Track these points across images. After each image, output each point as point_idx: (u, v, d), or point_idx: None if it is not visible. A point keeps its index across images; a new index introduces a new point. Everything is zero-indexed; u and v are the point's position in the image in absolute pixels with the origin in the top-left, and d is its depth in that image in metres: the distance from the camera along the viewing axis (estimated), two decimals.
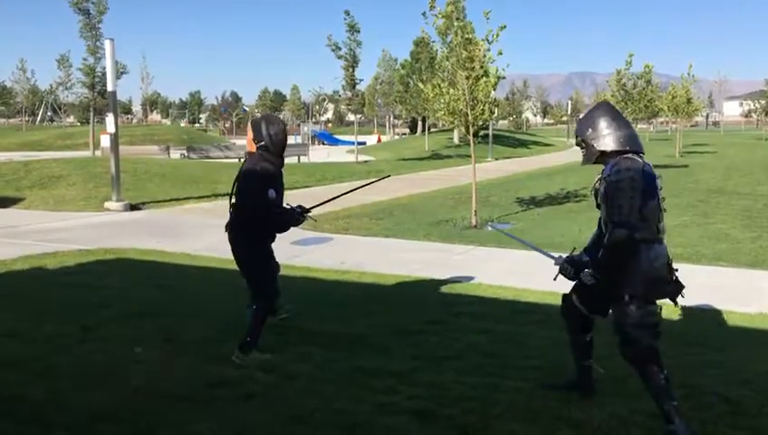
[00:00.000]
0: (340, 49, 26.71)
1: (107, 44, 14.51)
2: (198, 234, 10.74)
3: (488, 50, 11.05)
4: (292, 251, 8.61)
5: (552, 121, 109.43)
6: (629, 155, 3.49)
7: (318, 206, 4.98)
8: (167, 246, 9.45)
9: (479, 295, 6.60)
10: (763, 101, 63.32)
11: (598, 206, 3.65)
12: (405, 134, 66.83)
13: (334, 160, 30.31)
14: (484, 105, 11.43)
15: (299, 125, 61.02)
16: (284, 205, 4.68)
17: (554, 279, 3.83)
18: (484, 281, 7.22)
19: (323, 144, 58.80)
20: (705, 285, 6.84)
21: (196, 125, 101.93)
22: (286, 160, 4.90)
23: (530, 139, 52.75)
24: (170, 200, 15.19)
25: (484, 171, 22.13)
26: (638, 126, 33.97)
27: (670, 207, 11.86)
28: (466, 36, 10.95)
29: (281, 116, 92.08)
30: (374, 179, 6.06)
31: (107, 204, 14.11)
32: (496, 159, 32.61)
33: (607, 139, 3.56)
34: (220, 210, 13.07)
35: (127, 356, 4.71)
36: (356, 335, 5.18)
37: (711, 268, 7.98)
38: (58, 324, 5.44)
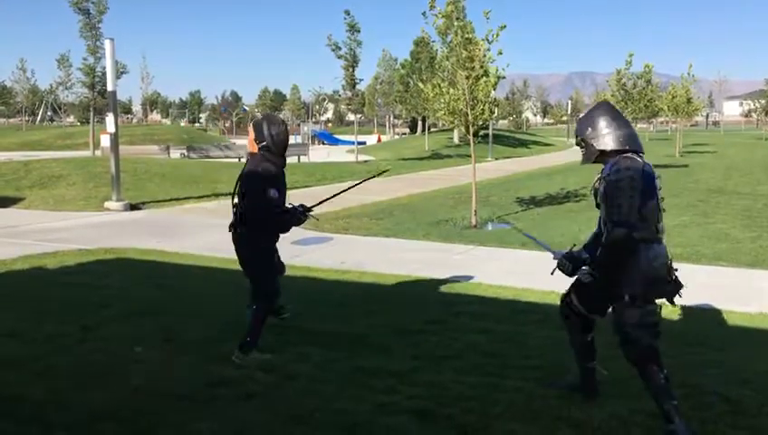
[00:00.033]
0: (340, 49, 26.70)
1: (107, 44, 14.51)
2: (198, 233, 10.74)
3: (488, 50, 11.05)
4: (293, 251, 8.60)
5: (552, 121, 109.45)
6: (629, 154, 3.49)
7: (319, 204, 4.99)
8: (167, 246, 9.45)
9: (479, 295, 6.60)
10: (762, 101, 63.33)
11: (597, 205, 3.65)
12: (405, 134, 66.83)
13: (334, 160, 30.30)
14: (484, 105, 11.43)
15: (299, 125, 60.99)
16: (287, 204, 4.70)
17: (552, 273, 3.84)
18: (484, 281, 7.22)
19: (323, 144, 58.76)
20: (705, 284, 6.84)
21: (196, 125, 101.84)
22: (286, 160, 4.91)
23: (530, 138, 52.75)
24: (170, 200, 15.19)
25: (484, 171, 22.13)
26: (638, 126, 33.99)
27: (670, 206, 11.87)
28: (466, 36, 10.95)
29: (281, 116, 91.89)
30: (373, 175, 6.10)
31: (107, 204, 14.11)
32: (496, 159, 32.60)
33: (606, 138, 3.56)
34: (220, 210, 13.09)
35: (127, 356, 4.71)
36: (356, 335, 5.18)
37: (711, 268, 7.98)
38: (58, 324, 5.44)
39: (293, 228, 4.79)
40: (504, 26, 11.04)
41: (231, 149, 35.70)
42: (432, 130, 47.28)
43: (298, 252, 8.82)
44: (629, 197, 3.34)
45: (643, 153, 3.56)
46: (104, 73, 22.59)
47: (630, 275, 3.40)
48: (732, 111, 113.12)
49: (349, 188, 5.39)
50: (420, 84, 14.74)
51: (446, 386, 4.10)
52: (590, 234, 3.86)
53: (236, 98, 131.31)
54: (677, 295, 3.51)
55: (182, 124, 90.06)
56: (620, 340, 3.48)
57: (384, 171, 6.90)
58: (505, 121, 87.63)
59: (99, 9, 24.91)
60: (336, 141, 60.50)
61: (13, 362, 4.57)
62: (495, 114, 14.42)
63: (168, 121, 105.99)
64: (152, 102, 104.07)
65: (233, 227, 4.67)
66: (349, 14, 26.41)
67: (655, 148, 36.39)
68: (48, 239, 10.11)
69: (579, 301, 3.77)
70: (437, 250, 9.37)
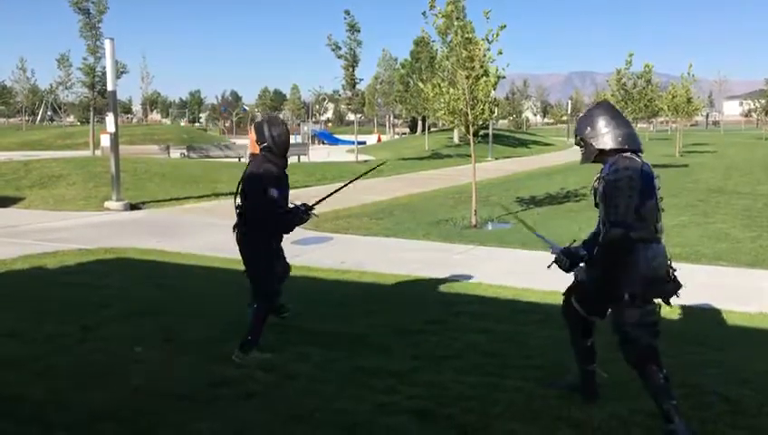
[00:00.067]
0: (340, 48, 26.69)
1: (107, 44, 14.51)
2: (199, 233, 10.75)
3: (488, 49, 11.05)
4: (293, 250, 8.56)
5: (552, 121, 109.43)
6: (628, 154, 3.49)
7: (320, 201, 5.02)
8: (167, 246, 9.45)
9: (479, 295, 6.60)
10: (762, 101, 63.28)
11: (596, 205, 3.65)
12: (405, 134, 66.82)
13: (334, 160, 30.31)
14: (484, 105, 11.42)
15: (299, 125, 60.94)
16: (289, 204, 4.76)
17: (548, 267, 3.85)
18: (484, 280, 7.22)
19: (323, 144, 58.76)
20: (705, 284, 6.84)
21: (196, 124, 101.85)
22: None
23: (530, 138, 52.74)
24: (170, 200, 15.19)
25: (484, 171, 22.12)
26: (638, 125, 33.97)
27: (670, 206, 11.88)
28: (466, 36, 10.94)
29: (281, 115, 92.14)
30: (371, 167, 6.18)
31: (107, 203, 14.11)
32: (496, 159, 32.59)
33: (605, 137, 3.56)
34: (220, 210, 13.10)
35: (127, 356, 4.71)
36: (356, 335, 5.18)
37: (711, 268, 7.98)
38: (58, 324, 5.44)
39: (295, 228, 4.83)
40: (504, 26, 11.04)
41: (231, 148, 35.67)
42: (432, 129, 47.27)
43: (298, 252, 8.82)
44: (628, 197, 3.34)
45: (642, 152, 3.56)
46: (104, 73, 22.58)
47: (630, 275, 3.40)
48: (732, 110, 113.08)
49: (348, 184, 5.39)
50: (420, 84, 14.74)
51: (446, 386, 4.10)
52: (589, 232, 3.86)
53: (236, 98, 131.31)
54: (676, 295, 3.51)
55: (182, 124, 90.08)
56: (620, 339, 3.48)
57: (381, 163, 7.00)
58: (505, 121, 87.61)
59: (99, 9, 24.89)
60: (336, 141, 60.48)
61: (13, 362, 4.57)
62: (495, 114, 14.40)
63: (168, 121, 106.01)
64: (152, 102, 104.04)
65: (236, 227, 4.73)
66: (349, 14, 26.43)
67: (655, 147, 36.39)
68: (48, 239, 10.11)
69: (578, 302, 3.77)
70: (437, 250, 9.37)
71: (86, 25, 24.94)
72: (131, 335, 5.15)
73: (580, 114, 4.01)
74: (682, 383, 3.87)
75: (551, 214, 12.86)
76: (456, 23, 11.01)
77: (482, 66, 11.09)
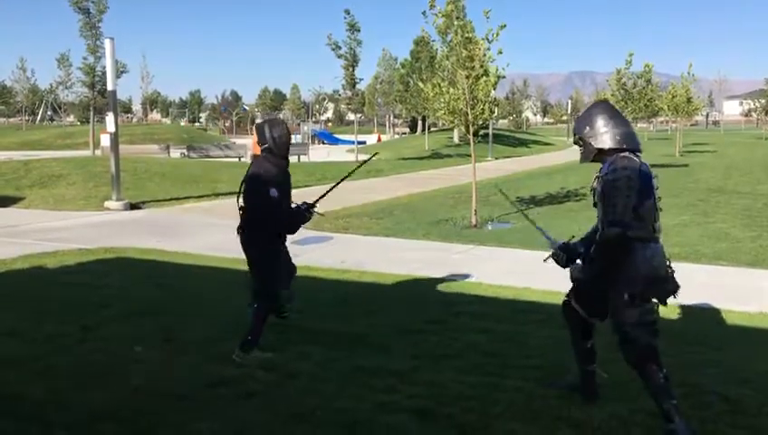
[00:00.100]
0: (340, 48, 26.73)
1: (107, 43, 14.51)
2: (198, 233, 10.75)
3: (488, 49, 11.05)
4: (293, 250, 8.51)
5: (552, 121, 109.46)
6: (627, 154, 3.49)
7: (321, 198, 5.05)
8: (167, 246, 9.45)
9: (479, 295, 6.60)
10: (763, 101, 63.32)
11: (595, 204, 3.65)
12: (405, 133, 66.84)
13: (334, 160, 30.33)
14: (484, 104, 11.43)
15: (299, 124, 60.94)
16: (292, 205, 4.83)
17: (544, 260, 3.86)
18: (484, 280, 7.22)
19: (323, 143, 58.78)
20: (705, 284, 6.85)
21: (196, 124, 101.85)
22: None
23: (530, 138, 52.76)
24: (170, 199, 15.19)
25: (484, 171, 22.12)
26: (638, 125, 34.01)
27: (670, 206, 11.87)
28: (466, 35, 10.95)
29: (281, 115, 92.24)
30: (366, 159, 6.28)
31: (107, 203, 14.11)
32: (496, 159, 32.59)
33: (604, 136, 3.56)
34: (220, 210, 13.11)
35: (127, 356, 4.71)
36: (356, 334, 5.18)
37: (711, 267, 7.98)
38: (58, 324, 5.44)
39: None
40: (504, 26, 11.04)
41: (231, 148, 35.70)
42: (432, 129, 47.28)
43: (298, 251, 8.79)
44: (626, 196, 3.34)
45: (641, 152, 3.56)
46: (104, 73, 22.57)
47: (629, 275, 3.40)
48: (732, 110, 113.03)
49: (346, 177, 5.38)
50: (420, 84, 14.74)
51: (446, 386, 4.11)
52: (589, 228, 3.87)
53: (236, 97, 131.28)
54: (674, 295, 3.52)
55: (182, 124, 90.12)
56: (619, 339, 3.48)
57: (374, 154, 7.19)
58: (505, 121, 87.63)
59: (99, 8, 24.91)
60: (336, 141, 60.50)
61: (13, 361, 4.58)
62: (495, 114, 14.41)
63: (168, 121, 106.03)
64: (152, 102, 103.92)
65: (240, 228, 4.79)
66: (349, 14, 26.48)
67: (655, 147, 36.40)
68: (48, 239, 10.11)
69: (578, 303, 3.77)
70: (437, 250, 9.37)
71: (86, 25, 24.95)
72: (131, 335, 5.15)
73: (580, 114, 4.01)
74: (682, 383, 3.87)
75: (551, 213, 12.85)
76: (456, 22, 11.01)
77: (482, 66, 11.09)
